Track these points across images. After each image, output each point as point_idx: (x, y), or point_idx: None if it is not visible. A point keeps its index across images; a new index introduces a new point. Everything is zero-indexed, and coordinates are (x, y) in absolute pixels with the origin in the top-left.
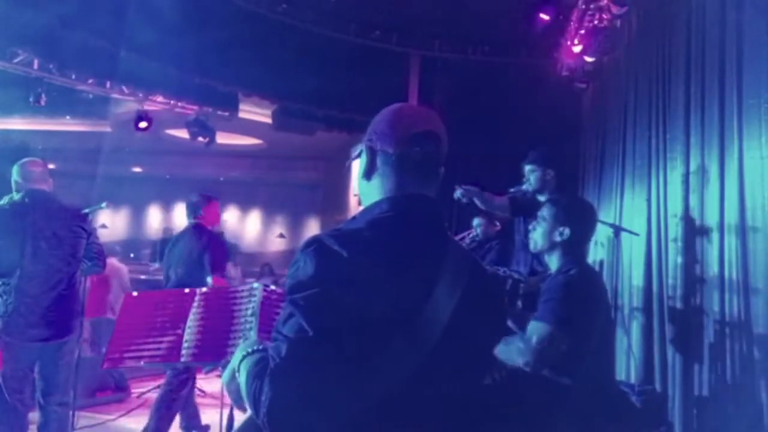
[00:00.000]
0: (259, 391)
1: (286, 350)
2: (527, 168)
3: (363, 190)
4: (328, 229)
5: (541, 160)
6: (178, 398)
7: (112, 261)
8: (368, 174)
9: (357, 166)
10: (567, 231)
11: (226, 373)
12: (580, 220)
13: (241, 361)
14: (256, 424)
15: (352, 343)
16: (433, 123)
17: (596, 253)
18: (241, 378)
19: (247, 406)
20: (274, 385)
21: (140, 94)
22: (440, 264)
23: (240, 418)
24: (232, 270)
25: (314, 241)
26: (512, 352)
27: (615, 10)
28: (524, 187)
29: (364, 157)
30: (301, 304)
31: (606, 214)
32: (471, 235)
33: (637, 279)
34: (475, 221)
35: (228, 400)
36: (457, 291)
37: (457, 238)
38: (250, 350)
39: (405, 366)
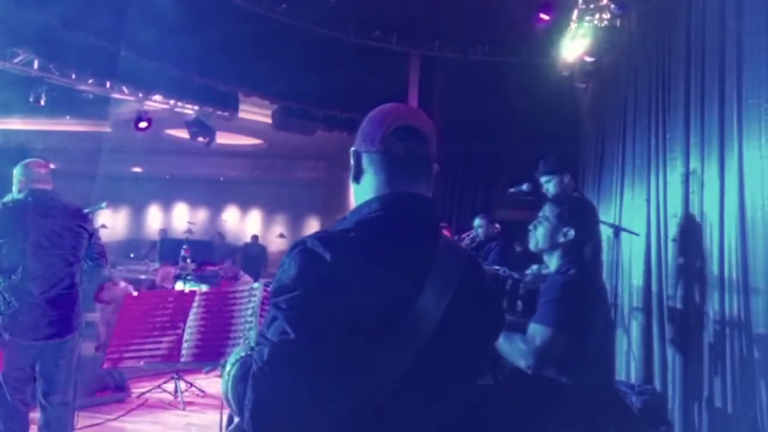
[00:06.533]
0: (243, 395)
1: (268, 353)
2: (543, 179)
3: (355, 193)
4: (317, 230)
5: (554, 167)
6: None
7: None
8: (357, 177)
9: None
10: (571, 232)
11: (223, 383)
12: (583, 222)
13: (231, 367)
14: (243, 428)
15: (336, 345)
16: (414, 119)
17: None
18: (228, 383)
19: (234, 411)
20: (256, 388)
21: (140, 94)
22: (430, 262)
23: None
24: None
25: (299, 243)
26: (514, 352)
27: (615, 10)
28: (524, 187)
29: (352, 162)
30: (283, 307)
31: (606, 214)
32: (471, 236)
33: (637, 279)
34: (476, 222)
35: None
36: (449, 289)
37: (456, 238)
38: (239, 356)
39: (393, 366)
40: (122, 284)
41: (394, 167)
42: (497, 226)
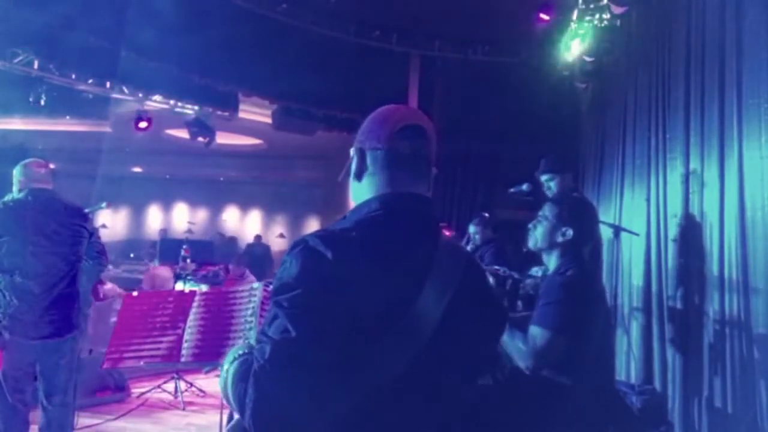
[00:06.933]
0: (244, 393)
1: (269, 351)
2: (544, 177)
3: (355, 191)
4: (317, 229)
5: (556, 166)
6: None
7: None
8: (359, 175)
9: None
10: (570, 232)
11: (221, 380)
12: (583, 222)
13: (229, 366)
14: (243, 426)
15: (337, 343)
16: (419, 119)
17: None
18: (228, 381)
19: (234, 409)
20: (257, 386)
21: (140, 94)
22: (430, 262)
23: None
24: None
25: (300, 242)
26: (514, 351)
27: (615, 10)
28: (524, 187)
29: (354, 159)
30: (284, 305)
31: (606, 214)
32: (470, 241)
33: (637, 279)
34: (471, 228)
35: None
36: (449, 289)
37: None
38: (237, 354)
39: (393, 365)
40: (108, 285)
41: (398, 166)
42: (486, 215)
